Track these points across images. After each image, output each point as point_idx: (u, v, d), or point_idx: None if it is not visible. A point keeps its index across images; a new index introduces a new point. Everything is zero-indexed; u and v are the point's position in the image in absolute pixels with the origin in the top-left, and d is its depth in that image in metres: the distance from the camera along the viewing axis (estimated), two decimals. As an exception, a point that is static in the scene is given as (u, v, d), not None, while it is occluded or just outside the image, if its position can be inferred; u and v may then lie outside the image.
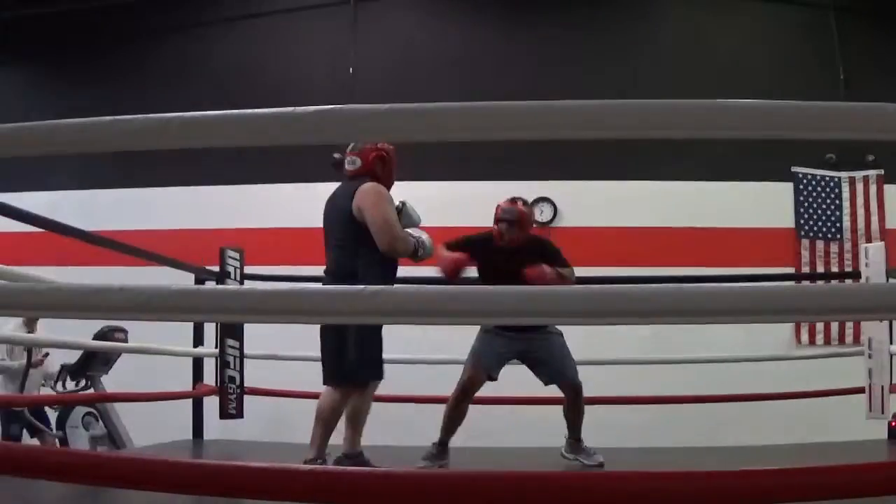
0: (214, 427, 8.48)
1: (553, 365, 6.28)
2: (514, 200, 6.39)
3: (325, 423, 5.66)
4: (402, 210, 5.77)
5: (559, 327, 6.31)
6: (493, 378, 6.34)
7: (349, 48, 11.68)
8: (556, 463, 6.26)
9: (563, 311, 2.90)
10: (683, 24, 12.11)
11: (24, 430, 9.21)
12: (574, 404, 6.32)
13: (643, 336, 9.53)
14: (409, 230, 5.63)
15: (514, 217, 6.26)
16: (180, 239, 10.62)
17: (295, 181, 11.24)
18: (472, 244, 6.29)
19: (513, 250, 6.21)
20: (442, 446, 6.27)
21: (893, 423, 7.96)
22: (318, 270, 9.76)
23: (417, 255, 5.62)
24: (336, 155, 10.96)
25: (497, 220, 6.33)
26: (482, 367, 6.26)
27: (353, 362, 5.53)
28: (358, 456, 5.69)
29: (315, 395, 8.87)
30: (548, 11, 11.88)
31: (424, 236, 5.69)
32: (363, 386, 5.70)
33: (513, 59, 11.68)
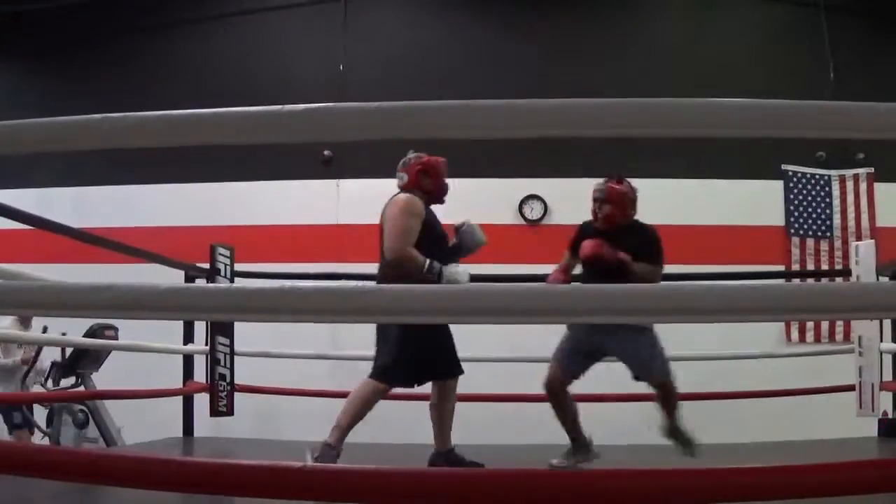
0: (205, 424, 8.47)
1: (630, 362, 5.92)
2: (608, 177, 6.15)
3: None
4: (460, 228, 5.90)
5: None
6: (575, 376, 5.99)
7: (339, 46, 11.66)
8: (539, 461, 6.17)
9: (549, 309, 2.89)
10: (675, 24, 12.12)
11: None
12: (662, 399, 5.93)
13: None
14: (451, 267, 5.62)
15: (603, 195, 6.02)
16: (171, 236, 10.61)
17: (285, 178, 11.23)
18: (581, 230, 6.17)
19: (612, 234, 5.93)
20: (575, 443, 5.98)
21: (884, 421, 7.99)
22: (309, 268, 9.82)
23: (436, 277, 5.56)
24: (326, 152, 11.00)
25: (593, 200, 6.14)
26: (560, 364, 5.95)
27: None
28: (448, 453, 5.80)
29: (305, 393, 8.95)
30: (541, 10, 11.89)
31: (460, 270, 5.64)
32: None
33: (504, 57, 11.67)
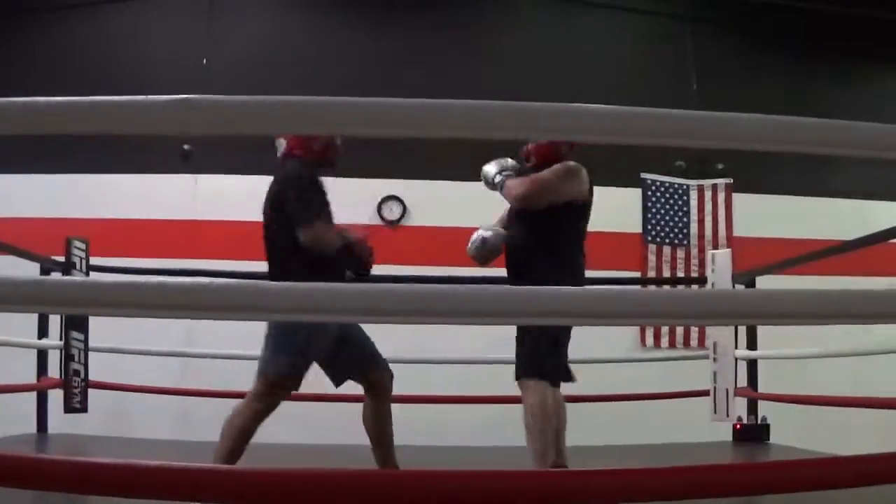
0: (59, 421, 8.32)
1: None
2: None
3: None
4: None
5: None
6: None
7: (204, 39, 11.52)
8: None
9: (398, 310, 2.87)
10: (543, 28, 12.16)
11: None
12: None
13: (487, 334, 9.47)
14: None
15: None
16: (25, 227, 10.37)
17: (143, 172, 11.05)
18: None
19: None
20: None
21: (738, 426, 8.15)
22: (166, 263, 9.70)
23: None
24: (185, 146, 10.86)
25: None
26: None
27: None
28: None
29: (159, 391, 8.85)
30: (409, 12, 11.88)
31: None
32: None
33: (371, 56, 11.64)
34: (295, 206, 5.07)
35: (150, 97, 2.74)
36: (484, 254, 5.44)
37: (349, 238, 5.29)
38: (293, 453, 7.19)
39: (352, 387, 5.34)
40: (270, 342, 5.06)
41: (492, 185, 5.48)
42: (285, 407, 5.13)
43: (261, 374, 5.05)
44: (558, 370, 5.13)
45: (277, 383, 5.04)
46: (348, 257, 5.29)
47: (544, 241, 5.30)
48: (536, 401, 4.98)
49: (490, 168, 5.49)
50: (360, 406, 5.34)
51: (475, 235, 5.46)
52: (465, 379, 8.61)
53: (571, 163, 5.34)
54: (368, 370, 5.34)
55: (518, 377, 5.15)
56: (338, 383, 5.43)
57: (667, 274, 11.56)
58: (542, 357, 5.08)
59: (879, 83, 12.45)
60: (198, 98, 2.79)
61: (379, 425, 5.32)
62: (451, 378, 8.68)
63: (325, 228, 5.09)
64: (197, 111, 2.82)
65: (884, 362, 8.36)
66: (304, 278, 3.33)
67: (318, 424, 8.28)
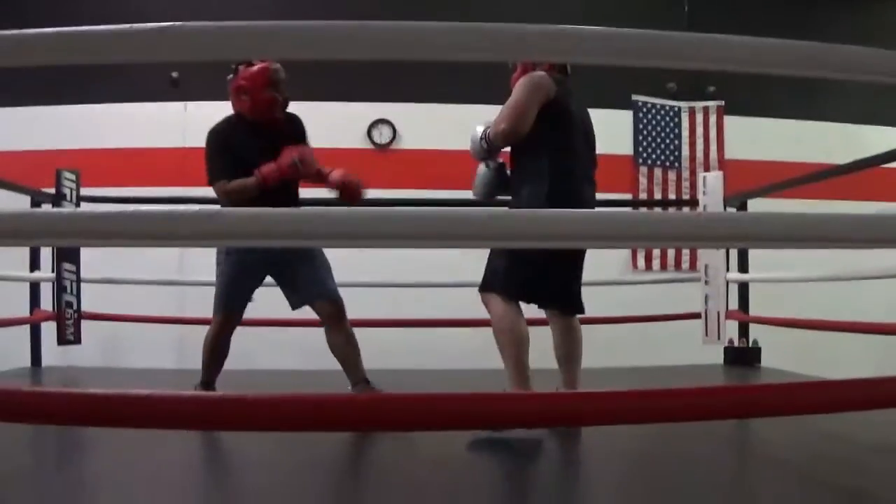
0: (52, 353, 8.34)
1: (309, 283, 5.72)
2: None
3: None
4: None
5: None
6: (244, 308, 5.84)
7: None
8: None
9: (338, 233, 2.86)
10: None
11: None
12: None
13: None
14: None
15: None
16: (13, 160, 10.32)
17: (132, 101, 10.97)
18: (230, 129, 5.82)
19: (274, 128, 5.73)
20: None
21: (730, 348, 8.21)
22: (157, 192, 9.69)
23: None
24: (174, 74, 10.78)
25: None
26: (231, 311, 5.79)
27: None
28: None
29: (152, 319, 8.86)
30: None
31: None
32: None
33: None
34: (206, 165, 5.65)
35: (137, 25, 2.72)
36: (488, 190, 5.45)
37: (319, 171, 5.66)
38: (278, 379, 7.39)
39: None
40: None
41: (481, 145, 5.32)
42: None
43: None
44: (512, 285, 5.11)
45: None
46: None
47: (521, 171, 5.25)
48: (493, 315, 5.10)
49: (475, 132, 5.37)
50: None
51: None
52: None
53: (534, 73, 5.23)
54: (314, 301, 5.69)
55: (479, 290, 5.24)
56: (293, 307, 5.83)
57: (658, 196, 11.55)
58: (498, 271, 5.14)
59: (879, 11, 12.34)
60: (177, 25, 2.77)
61: (336, 349, 5.64)
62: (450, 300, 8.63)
63: (221, 191, 5.56)
64: (176, 39, 2.79)
65: (878, 287, 8.40)
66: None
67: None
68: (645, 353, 8.59)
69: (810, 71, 3.11)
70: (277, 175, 5.48)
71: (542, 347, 5.36)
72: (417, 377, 7.11)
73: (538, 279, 5.12)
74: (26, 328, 8.19)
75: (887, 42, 10.84)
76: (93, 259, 8.33)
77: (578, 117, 5.37)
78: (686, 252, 11.30)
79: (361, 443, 4.80)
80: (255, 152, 5.53)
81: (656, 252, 11.40)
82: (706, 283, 8.31)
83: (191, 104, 10.83)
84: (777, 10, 11.72)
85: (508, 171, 5.39)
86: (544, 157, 5.12)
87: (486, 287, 5.18)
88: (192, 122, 10.70)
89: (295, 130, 5.83)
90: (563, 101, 5.22)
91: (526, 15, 10.36)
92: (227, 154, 5.60)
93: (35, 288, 8.35)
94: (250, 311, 5.87)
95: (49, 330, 8.18)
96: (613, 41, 2.85)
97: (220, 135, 5.70)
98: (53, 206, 7.86)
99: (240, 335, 5.84)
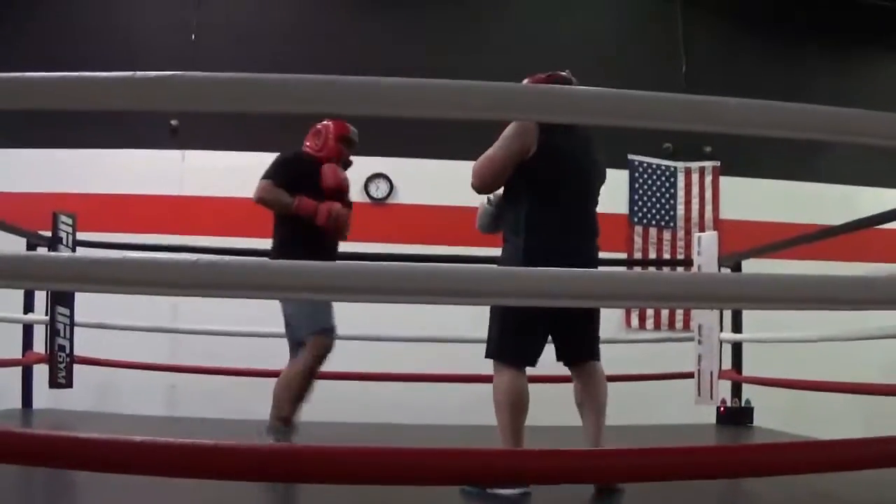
0: (44, 396, 8.32)
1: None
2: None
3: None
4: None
5: None
6: None
7: (192, 16, 11.46)
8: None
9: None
10: (534, 8, 12.13)
11: None
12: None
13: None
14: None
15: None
16: (11, 202, 10.33)
17: (131, 147, 11.00)
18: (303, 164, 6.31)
19: None
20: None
21: (723, 410, 8.17)
22: (153, 239, 9.69)
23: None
24: (173, 122, 10.81)
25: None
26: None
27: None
28: None
29: (144, 366, 8.84)
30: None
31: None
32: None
33: (360, 34, 11.60)
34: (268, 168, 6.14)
35: (134, 73, 2.74)
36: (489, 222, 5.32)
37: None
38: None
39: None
40: None
41: (486, 209, 5.28)
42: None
43: None
44: (505, 351, 4.98)
45: None
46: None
47: (505, 222, 5.11)
48: (497, 383, 4.95)
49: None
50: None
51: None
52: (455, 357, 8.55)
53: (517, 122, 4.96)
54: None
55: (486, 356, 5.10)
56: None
57: (653, 256, 11.58)
58: (492, 339, 5.04)
59: (871, 68, 12.43)
60: (180, 75, 2.79)
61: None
62: (444, 356, 8.58)
63: (265, 186, 6.01)
64: (177, 88, 2.81)
65: (872, 347, 8.39)
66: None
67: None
68: (638, 411, 8.55)
69: (803, 134, 3.13)
70: (312, 215, 5.96)
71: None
72: (397, 432, 7.09)
73: (530, 341, 4.97)
74: (18, 370, 8.17)
75: (881, 97, 10.93)
76: (86, 303, 8.32)
77: (576, 164, 5.05)
78: (680, 311, 11.30)
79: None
80: (306, 186, 6.03)
81: (650, 311, 11.40)
82: (699, 342, 8.30)
83: (189, 153, 10.86)
84: (775, 69, 11.83)
85: None
86: (523, 209, 4.93)
87: (486, 354, 5.07)
88: (189, 170, 10.74)
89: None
90: (551, 148, 4.91)
91: (521, 71, 10.44)
92: (290, 169, 6.13)
93: (28, 330, 8.32)
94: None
95: (41, 372, 8.16)
96: (609, 102, 2.87)
97: (290, 156, 6.26)
98: (49, 249, 7.87)
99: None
